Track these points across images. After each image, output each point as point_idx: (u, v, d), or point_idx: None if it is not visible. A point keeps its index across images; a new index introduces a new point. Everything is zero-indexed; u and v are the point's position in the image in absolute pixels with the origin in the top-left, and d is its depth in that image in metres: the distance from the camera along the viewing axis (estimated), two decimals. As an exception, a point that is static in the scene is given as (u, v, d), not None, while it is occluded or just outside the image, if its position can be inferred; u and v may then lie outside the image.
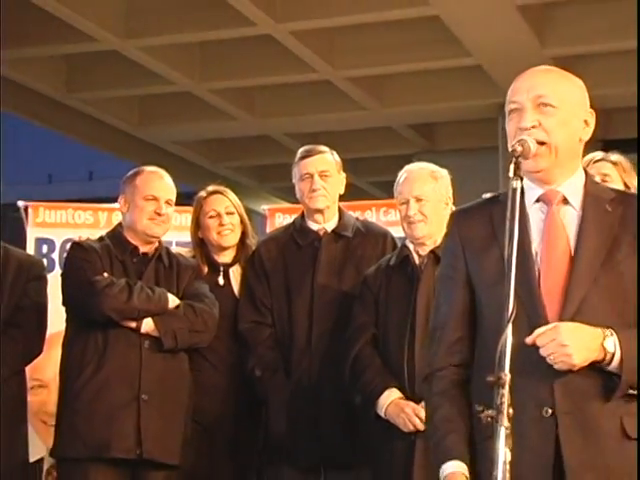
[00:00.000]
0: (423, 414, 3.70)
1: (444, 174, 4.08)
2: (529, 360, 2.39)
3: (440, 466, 2.54)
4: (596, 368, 2.44)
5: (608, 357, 2.41)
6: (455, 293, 2.69)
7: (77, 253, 4.28)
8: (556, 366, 2.40)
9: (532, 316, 2.46)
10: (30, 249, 5.58)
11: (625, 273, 2.52)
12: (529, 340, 2.38)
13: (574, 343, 2.39)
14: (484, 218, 2.67)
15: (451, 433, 2.57)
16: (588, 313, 2.46)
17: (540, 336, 2.37)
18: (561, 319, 2.47)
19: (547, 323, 2.47)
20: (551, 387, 2.45)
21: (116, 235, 4.36)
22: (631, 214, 2.58)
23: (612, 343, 2.42)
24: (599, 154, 4.06)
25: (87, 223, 5.55)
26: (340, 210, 4.46)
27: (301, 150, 4.44)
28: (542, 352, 2.38)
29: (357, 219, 4.60)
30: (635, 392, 2.46)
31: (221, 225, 4.58)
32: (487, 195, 4.85)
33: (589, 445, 2.44)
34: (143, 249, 4.32)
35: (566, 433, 2.44)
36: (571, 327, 2.42)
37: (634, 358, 2.42)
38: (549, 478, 2.43)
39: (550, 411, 2.44)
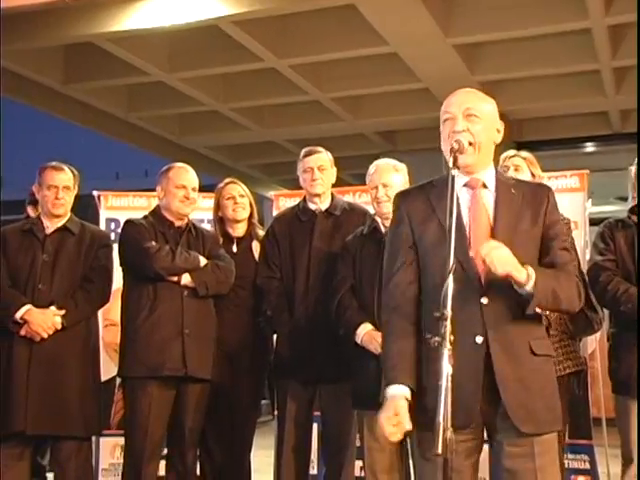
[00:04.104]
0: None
1: (403, 167, 4.03)
2: (465, 302, 2.37)
3: (388, 386, 2.47)
4: (512, 300, 2.44)
5: (526, 278, 2.39)
6: (404, 250, 2.62)
7: (131, 227, 4.23)
8: (492, 268, 2.36)
9: (467, 270, 2.44)
10: (102, 226, 5.54)
11: (529, 238, 2.53)
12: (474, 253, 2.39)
13: (505, 251, 2.38)
14: (423, 197, 2.63)
15: (401, 362, 2.51)
16: None
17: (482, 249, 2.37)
18: (486, 272, 2.44)
19: (479, 276, 2.46)
20: (482, 321, 2.44)
21: (156, 214, 4.30)
22: (528, 195, 2.60)
23: (530, 269, 2.41)
24: (512, 151, 4.05)
25: (142, 206, 5.50)
26: (333, 195, 4.40)
27: (304, 150, 4.38)
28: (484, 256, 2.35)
29: (345, 201, 4.51)
30: (540, 311, 2.49)
31: (235, 204, 4.57)
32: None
33: (510, 362, 2.45)
34: (177, 224, 4.27)
35: (495, 354, 2.44)
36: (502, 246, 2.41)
37: (544, 284, 2.42)
38: (479, 384, 2.43)
39: (482, 339, 2.43)
